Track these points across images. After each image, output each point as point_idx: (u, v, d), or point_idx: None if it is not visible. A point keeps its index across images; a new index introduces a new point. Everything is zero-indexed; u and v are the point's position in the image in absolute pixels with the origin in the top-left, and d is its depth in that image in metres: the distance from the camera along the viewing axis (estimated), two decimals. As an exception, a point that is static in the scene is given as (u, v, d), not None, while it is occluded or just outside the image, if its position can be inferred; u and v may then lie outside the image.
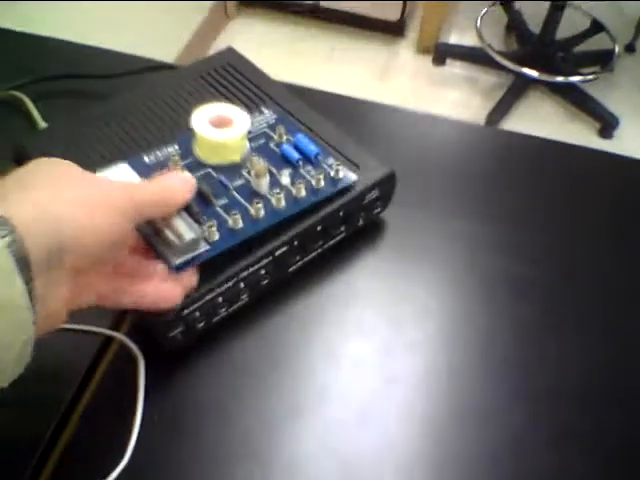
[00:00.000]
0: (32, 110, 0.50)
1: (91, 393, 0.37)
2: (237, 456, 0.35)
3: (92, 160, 0.41)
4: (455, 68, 2.05)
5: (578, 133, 1.82)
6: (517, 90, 1.85)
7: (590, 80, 1.85)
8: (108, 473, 0.33)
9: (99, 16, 1.47)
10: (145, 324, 0.37)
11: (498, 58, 1.88)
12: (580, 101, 1.84)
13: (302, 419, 0.36)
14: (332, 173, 0.41)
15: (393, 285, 0.43)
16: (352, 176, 0.41)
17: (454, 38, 2.13)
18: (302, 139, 0.42)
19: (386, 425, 0.36)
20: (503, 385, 0.38)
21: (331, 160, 0.41)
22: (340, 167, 0.41)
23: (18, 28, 0.61)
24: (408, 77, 2.03)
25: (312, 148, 0.41)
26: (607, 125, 1.78)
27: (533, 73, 1.83)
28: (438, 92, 1.96)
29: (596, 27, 2.03)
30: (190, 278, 0.35)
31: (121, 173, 0.39)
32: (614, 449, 0.36)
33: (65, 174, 0.31)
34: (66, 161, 0.32)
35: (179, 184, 0.35)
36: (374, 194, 0.43)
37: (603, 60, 1.95)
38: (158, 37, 1.75)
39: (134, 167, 0.40)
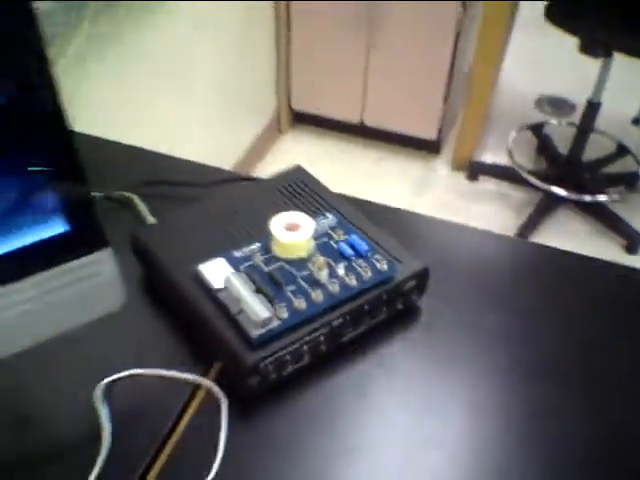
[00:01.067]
0: (141, 208, 0.64)
1: (182, 429, 0.47)
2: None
3: (195, 253, 0.54)
4: (487, 184, 2.20)
5: (604, 249, 1.91)
6: (545, 207, 1.98)
7: (616, 200, 1.97)
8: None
9: (172, 131, 1.68)
10: (230, 373, 0.48)
11: (528, 177, 2.02)
12: (606, 219, 1.95)
13: (354, 461, 0.45)
14: (378, 266, 0.52)
15: (422, 363, 0.53)
16: (394, 269, 0.52)
17: (487, 157, 2.29)
18: (355, 238, 0.54)
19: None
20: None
21: (377, 255, 0.53)
22: (384, 261, 0.52)
23: (123, 141, 0.77)
24: (443, 191, 2.18)
25: (363, 246, 0.53)
26: (632, 242, 1.87)
27: (561, 192, 1.96)
28: (471, 206, 2.10)
29: (622, 150, 2.18)
30: None
31: (218, 265, 0.52)
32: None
33: None
34: None
35: None
36: (411, 284, 0.54)
37: (629, 181, 2.08)
38: (220, 149, 1.96)
39: (228, 260, 0.52)
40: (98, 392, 0.48)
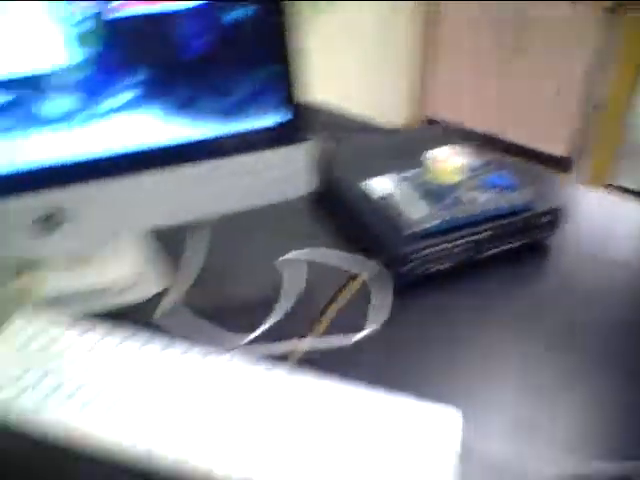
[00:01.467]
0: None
1: (338, 307, 0.58)
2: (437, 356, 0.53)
3: (366, 172, 0.65)
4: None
5: None
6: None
7: None
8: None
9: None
10: (388, 261, 0.58)
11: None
12: None
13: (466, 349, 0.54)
14: (519, 197, 0.61)
15: (552, 290, 0.61)
16: (532, 202, 0.61)
17: (623, 180, 2.25)
18: (504, 173, 0.63)
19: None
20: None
21: (520, 189, 0.62)
22: (524, 194, 0.61)
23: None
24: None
25: (509, 180, 0.62)
26: None
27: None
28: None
29: None
30: None
31: (385, 181, 0.63)
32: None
33: None
34: None
35: None
36: (545, 219, 0.62)
37: None
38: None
39: (393, 178, 0.63)
40: (279, 264, 0.60)
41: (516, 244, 0.62)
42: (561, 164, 2.30)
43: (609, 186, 2.16)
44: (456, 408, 0.45)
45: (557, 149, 2.24)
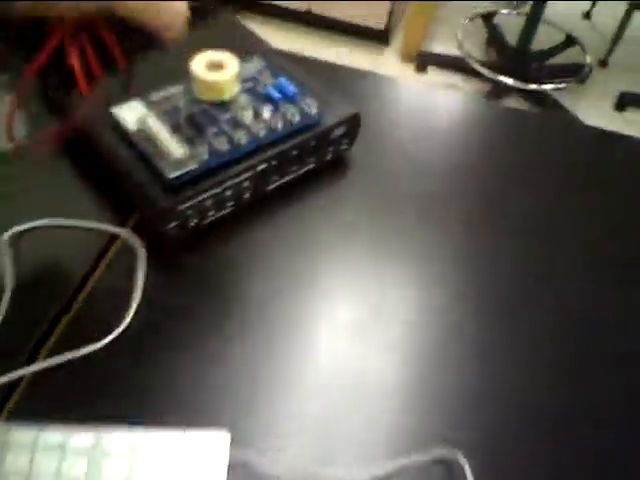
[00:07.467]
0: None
1: (96, 279, 0.44)
2: (222, 328, 0.42)
3: (110, 97, 0.49)
4: (436, 76, 2.15)
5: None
6: (493, 97, 1.96)
7: (561, 89, 1.96)
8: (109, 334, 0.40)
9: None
10: (147, 218, 0.45)
11: (476, 66, 1.98)
12: (552, 109, 1.95)
13: (282, 298, 0.44)
14: (306, 109, 0.49)
15: (354, 208, 0.51)
16: (322, 113, 0.49)
17: (436, 48, 2.23)
18: (283, 82, 0.50)
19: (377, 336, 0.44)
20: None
21: (306, 99, 0.49)
22: (313, 105, 0.49)
23: None
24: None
25: (291, 89, 0.50)
26: (576, 131, 1.88)
27: (509, 81, 1.94)
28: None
29: (570, 41, 2.15)
30: None
31: (135, 108, 0.47)
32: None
33: None
34: None
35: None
36: (340, 130, 0.51)
37: (575, 72, 2.06)
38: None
39: (144, 102, 0.48)
40: (3, 242, 0.44)
41: (308, 167, 0.51)
42: (380, 37, 2.22)
43: (421, 57, 2.13)
44: (225, 428, 0.35)
45: (373, 22, 2.15)
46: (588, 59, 2.08)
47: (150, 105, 0.48)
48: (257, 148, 0.47)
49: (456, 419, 0.39)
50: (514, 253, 0.49)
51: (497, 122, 0.61)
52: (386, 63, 2.20)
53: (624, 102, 2.02)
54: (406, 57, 2.18)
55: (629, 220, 0.53)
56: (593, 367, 0.43)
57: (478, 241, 0.50)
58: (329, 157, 0.52)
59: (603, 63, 2.20)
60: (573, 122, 1.80)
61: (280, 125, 0.47)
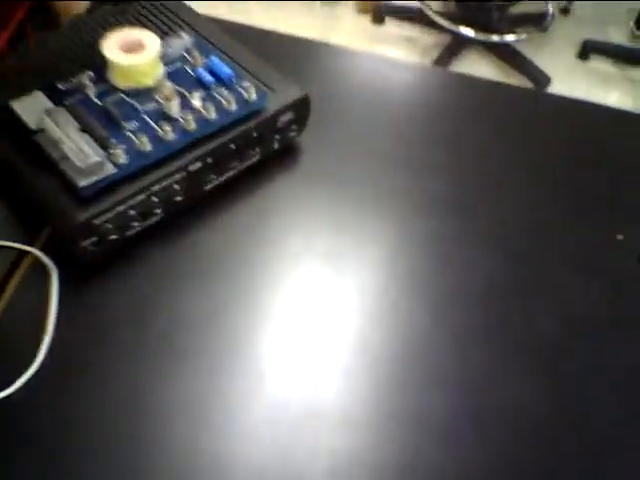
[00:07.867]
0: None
1: (3, 305, 0.37)
2: (155, 354, 0.36)
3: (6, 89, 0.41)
4: (394, 28, 2.06)
5: (512, 91, 1.86)
6: (453, 49, 1.88)
7: (523, 39, 1.90)
8: (21, 375, 0.34)
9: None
10: (58, 235, 0.38)
11: (436, 17, 1.90)
12: (514, 60, 1.88)
13: (217, 320, 0.38)
14: (245, 95, 0.42)
15: (305, 205, 0.44)
16: (264, 98, 0.42)
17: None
18: (216, 62, 0.43)
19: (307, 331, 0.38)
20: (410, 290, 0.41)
21: (245, 83, 0.42)
22: (253, 89, 0.42)
23: None
24: (345, 36, 2.03)
25: (226, 70, 0.42)
26: (539, 83, 1.83)
27: (469, 32, 1.86)
28: (376, 50, 1.97)
29: (531, -11, 2.07)
30: None
31: (36, 101, 0.39)
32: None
33: None
34: None
35: None
36: (287, 117, 0.44)
37: (538, 21, 1.99)
38: None
39: (48, 94, 0.40)
40: None
41: (252, 161, 0.44)
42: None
43: (378, 8, 2.03)
44: None
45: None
46: (550, 7, 2.01)
47: (56, 97, 0.40)
48: (188, 144, 0.39)
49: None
50: (481, 235, 0.44)
51: (452, 92, 0.54)
52: (342, 15, 2.09)
53: (587, 50, 1.96)
54: (362, 9, 2.08)
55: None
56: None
57: (440, 226, 0.44)
58: (276, 146, 0.45)
59: (565, 11, 2.13)
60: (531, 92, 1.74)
61: (214, 115, 0.40)
